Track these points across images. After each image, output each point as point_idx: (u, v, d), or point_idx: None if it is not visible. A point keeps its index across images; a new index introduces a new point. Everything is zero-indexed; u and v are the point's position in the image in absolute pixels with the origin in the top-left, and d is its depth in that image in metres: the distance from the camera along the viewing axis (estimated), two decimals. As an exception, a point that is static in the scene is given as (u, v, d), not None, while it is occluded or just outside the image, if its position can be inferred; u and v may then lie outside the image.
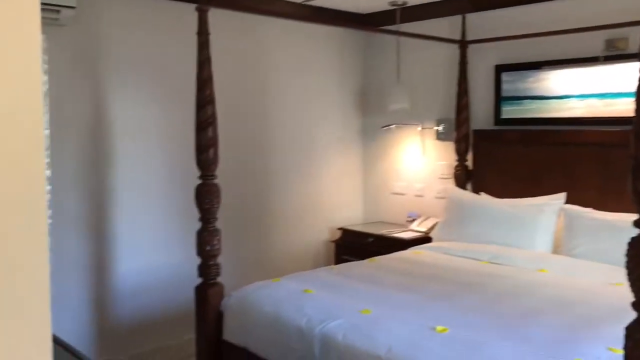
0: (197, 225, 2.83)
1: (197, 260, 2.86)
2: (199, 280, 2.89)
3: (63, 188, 3.29)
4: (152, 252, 3.70)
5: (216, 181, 2.82)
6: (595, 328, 2.26)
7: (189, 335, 3.41)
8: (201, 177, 2.80)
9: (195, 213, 2.83)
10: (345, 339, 2.32)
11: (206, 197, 2.78)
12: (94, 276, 3.48)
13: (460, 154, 4.18)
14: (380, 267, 3.32)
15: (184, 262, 3.49)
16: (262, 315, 2.68)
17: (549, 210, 3.54)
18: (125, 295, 3.59)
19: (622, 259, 3.11)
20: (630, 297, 2.65)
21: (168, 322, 3.73)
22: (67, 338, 3.31)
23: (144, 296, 3.66)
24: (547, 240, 3.50)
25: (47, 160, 3.18)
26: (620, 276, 2.96)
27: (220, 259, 2.89)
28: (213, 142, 2.77)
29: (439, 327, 2.28)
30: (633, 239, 1.51)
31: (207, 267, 2.85)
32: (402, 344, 2.19)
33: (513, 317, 2.41)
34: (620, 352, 1.99)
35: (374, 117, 4.83)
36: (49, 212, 3.21)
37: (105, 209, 3.51)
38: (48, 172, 3.15)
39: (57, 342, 1.52)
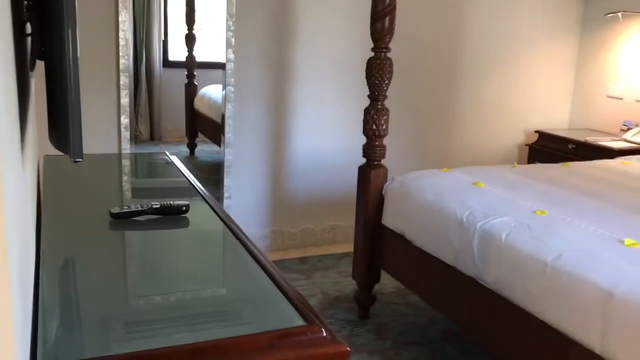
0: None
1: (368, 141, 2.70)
2: (364, 162, 2.75)
3: (247, 57, 3.32)
4: (330, 132, 3.64)
5: (389, 55, 2.58)
6: None
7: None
8: (374, 49, 2.58)
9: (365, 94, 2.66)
10: (509, 238, 2.02)
11: (376, 71, 2.57)
12: (272, 148, 3.54)
13: None
14: (573, 171, 2.85)
15: (359, 143, 3.39)
16: (422, 203, 2.47)
17: None
18: (300, 171, 3.62)
19: None
20: None
21: (339, 203, 3.71)
22: (244, 207, 3.51)
23: (318, 174, 3.66)
24: None
25: (232, 28, 3.21)
26: None
27: (388, 142, 2.71)
28: (389, 10, 2.50)
29: (629, 241, 1.86)
30: None
31: (372, 147, 2.68)
32: (576, 252, 1.84)
33: None
34: None
35: (599, 2, 4.07)
36: (232, 80, 3.31)
37: (286, 83, 3.49)
38: (231, 39, 3.17)
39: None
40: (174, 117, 3.76)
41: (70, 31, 1.00)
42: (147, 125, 3.62)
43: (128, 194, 1.90)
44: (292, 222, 3.66)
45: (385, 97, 2.63)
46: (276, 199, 3.61)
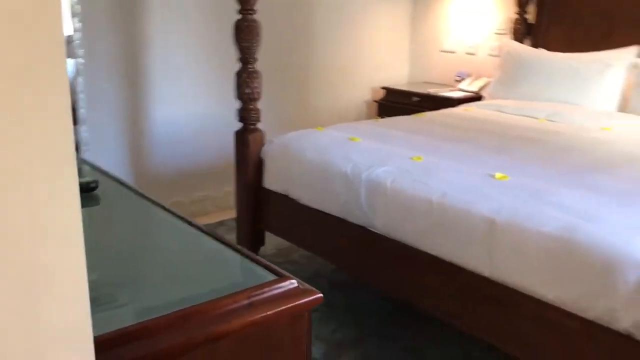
0: (236, 68, 2.63)
1: (237, 105, 2.69)
2: (239, 126, 2.74)
3: (95, 28, 3.09)
4: (190, 99, 3.54)
5: (256, 17, 2.57)
6: (673, 181, 2.05)
7: (230, 188, 3.35)
8: (241, 11, 2.55)
9: (233, 56, 2.63)
10: (394, 184, 2.17)
11: (246, 33, 2.55)
12: (129, 122, 3.36)
13: (521, 6, 3.79)
14: (429, 121, 3.11)
15: (223, 110, 3.35)
16: (305, 162, 2.54)
17: (618, 64, 3.22)
18: (163, 143, 3.49)
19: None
20: None
21: (209, 172, 3.65)
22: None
23: (183, 145, 3.56)
24: (613, 98, 3.21)
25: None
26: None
27: (260, 106, 2.72)
28: (253, -29, 2.49)
29: (499, 175, 2.11)
30: None
31: (247, 111, 2.68)
32: (457, 190, 2.04)
33: (579, 169, 2.22)
34: None
35: (427, -35, 4.39)
36: (81, 51, 3.06)
37: (142, 52, 3.31)
38: (76, 5, 2.93)
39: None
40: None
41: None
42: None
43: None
44: (161, 197, 3.51)
45: (256, 59, 2.63)
46: (141, 174, 3.45)
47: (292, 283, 1.00)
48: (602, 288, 1.61)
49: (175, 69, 3.45)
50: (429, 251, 2.05)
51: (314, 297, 1.00)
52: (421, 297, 2.13)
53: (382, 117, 4.17)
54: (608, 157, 2.41)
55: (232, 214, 3.17)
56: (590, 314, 1.65)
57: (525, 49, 3.67)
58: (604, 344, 1.64)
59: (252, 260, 1.08)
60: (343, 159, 2.41)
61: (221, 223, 3.51)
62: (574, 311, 1.68)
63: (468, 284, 1.95)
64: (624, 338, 1.59)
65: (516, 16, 3.83)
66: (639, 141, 2.66)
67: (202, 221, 3.59)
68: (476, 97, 3.85)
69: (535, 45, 3.74)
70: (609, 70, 3.22)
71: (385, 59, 4.55)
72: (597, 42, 3.40)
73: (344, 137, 2.64)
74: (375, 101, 4.42)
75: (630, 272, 1.57)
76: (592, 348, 1.66)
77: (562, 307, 1.71)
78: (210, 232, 1.22)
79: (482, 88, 3.97)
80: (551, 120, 3.09)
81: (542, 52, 3.57)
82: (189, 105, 3.55)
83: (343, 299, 2.74)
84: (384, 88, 4.39)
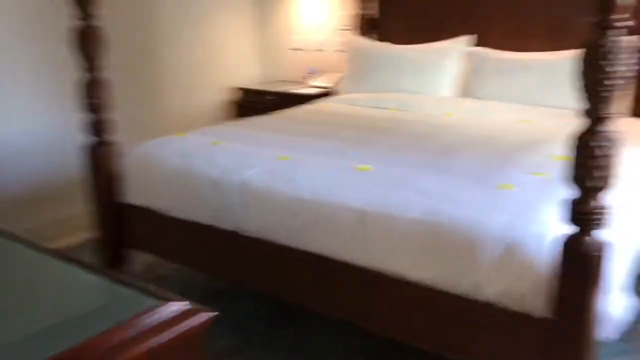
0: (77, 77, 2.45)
1: (83, 117, 2.51)
2: (88, 140, 2.56)
3: None
4: (27, 114, 3.24)
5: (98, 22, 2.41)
6: (514, 159, 2.26)
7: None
8: (80, 17, 2.37)
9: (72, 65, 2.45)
10: (265, 185, 2.16)
11: (87, 41, 2.38)
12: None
13: (364, 2, 3.94)
14: (289, 118, 3.14)
15: (70, 123, 3.11)
16: (168, 171, 2.44)
17: (453, 53, 3.47)
18: (4, 165, 3.16)
19: (528, 97, 3.18)
20: (539, 132, 2.71)
21: (64, 191, 3.36)
22: None
23: (28, 165, 3.25)
24: (451, 84, 3.46)
25: None
26: (526, 113, 3.02)
27: (110, 116, 2.56)
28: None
29: (362, 166, 2.17)
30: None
31: (96, 123, 2.51)
32: (325, 184, 2.07)
33: (432, 154, 2.36)
34: (543, 175, 2.00)
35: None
36: None
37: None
38: None
39: None
40: None
41: None
42: None
43: None
44: (14, 224, 3.19)
45: (101, 67, 2.47)
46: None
47: (181, 305, 0.95)
48: (468, 265, 1.73)
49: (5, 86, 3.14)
50: (305, 249, 2.07)
51: (208, 316, 0.96)
52: (302, 296, 2.14)
53: (240, 118, 4.14)
54: (456, 141, 2.58)
55: (94, 233, 2.96)
56: (458, 290, 1.76)
57: (369, 44, 3.83)
58: (472, 314, 1.75)
59: (134, 286, 1.00)
60: (209, 165, 2.34)
61: (82, 245, 3.26)
62: (445, 289, 1.79)
63: (346, 276, 1.99)
64: (489, 307, 1.72)
65: (359, 12, 3.97)
66: (479, 124, 2.89)
67: (62, 244, 3.33)
68: (329, 93, 3.94)
69: (380, 39, 3.91)
70: (446, 59, 3.46)
71: (235, 59, 4.51)
72: (435, 33, 3.63)
73: (207, 142, 2.57)
74: (232, 102, 4.36)
75: (491, 248, 1.70)
76: (462, 319, 1.78)
77: (434, 286, 1.81)
78: (73, 258, 1.12)
79: (333, 83, 4.08)
80: (402, 110, 3.25)
81: (385, 46, 3.74)
82: (28, 122, 3.24)
83: (220, 308, 2.67)
84: (239, 88, 4.35)
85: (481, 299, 1.72)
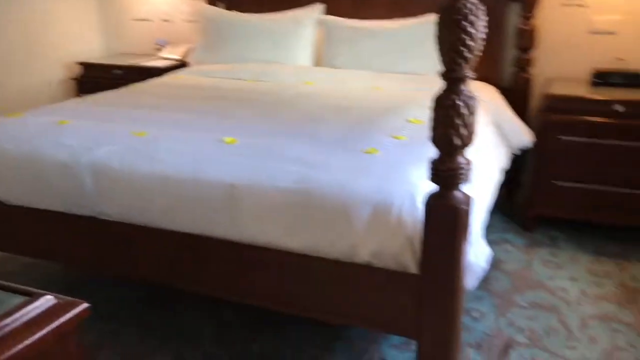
0: None
1: None
2: None
3: None
4: None
5: None
6: (375, 124, 2.32)
7: None
8: None
9: None
10: (121, 165, 2.01)
11: None
12: None
13: (211, -30, 3.80)
14: (142, 92, 2.95)
15: None
16: (6, 156, 2.18)
17: (307, 22, 3.47)
18: None
19: (380, 65, 3.28)
20: (393, 98, 2.81)
21: None
22: None
23: None
24: (307, 53, 3.47)
25: None
26: (378, 80, 3.11)
27: None
28: None
29: (227, 139, 2.10)
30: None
31: None
32: (190, 159, 1.98)
33: (296, 123, 2.35)
34: (403, 138, 2.08)
35: None
36: None
37: None
38: None
39: None
40: None
41: None
42: None
43: None
44: None
45: None
46: None
47: (49, 300, 0.84)
48: (341, 229, 1.75)
49: None
50: (172, 228, 1.96)
51: (81, 308, 0.86)
52: (172, 277, 2.04)
53: (85, 94, 3.82)
54: (317, 109, 2.59)
55: None
56: (333, 254, 1.78)
57: (221, 13, 3.71)
58: (348, 277, 1.78)
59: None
60: (55, 146, 2.13)
61: None
62: (320, 254, 1.80)
63: (218, 252, 1.93)
64: (364, 268, 1.76)
65: (205, -20, 3.83)
66: (337, 92, 2.93)
67: None
68: (181, 64, 3.77)
69: (229, 7, 3.80)
70: (300, 28, 3.46)
71: (72, 31, 4.14)
72: (283, 2, 3.59)
73: (50, 121, 2.33)
74: (73, 79, 4.01)
75: (362, 210, 1.73)
76: (338, 283, 1.80)
77: (309, 252, 1.81)
78: None
79: (184, 54, 3.91)
80: (259, 80, 3.20)
81: (239, 15, 3.64)
82: None
83: (87, 297, 2.48)
84: (80, 63, 4.01)
85: (357, 261, 1.75)
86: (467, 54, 1.41)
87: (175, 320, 2.34)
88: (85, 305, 0.86)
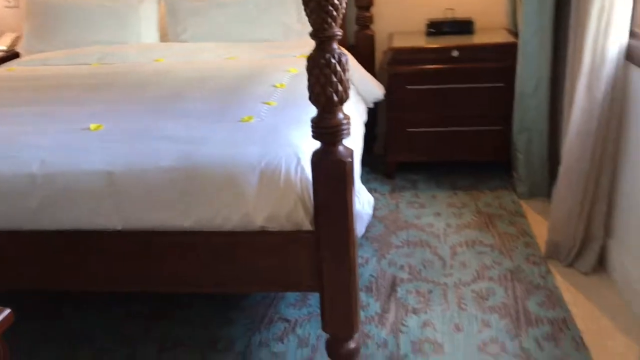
0: None
1: None
2: None
3: None
4: None
5: None
6: (242, 92, 2.33)
7: None
8: None
9: None
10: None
11: None
12: None
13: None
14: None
15: None
16: None
17: (148, -1, 3.34)
18: None
19: (229, 35, 3.26)
20: (252, 66, 2.82)
21: None
22: None
23: None
24: (152, 30, 3.35)
25: None
26: (231, 50, 3.10)
27: None
28: None
29: (93, 126, 2.00)
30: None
31: None
32: (55, 153, 1.85)
33: (161, 101, 2.28)
34: (274, 104, 2.12)
35: None
36: None
37: None
38: None
39: None
40: None
41: None
42: None
43: None
44: None
45: None
46: None
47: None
48: (233, 199, 1.76)
49: None
50: (49, 228, 1.83)
51: (3, 315, 0.81)
52: (64, 281, 1.90)
53: None
54: (177, 85, 2.53)
55: None
56: (229, 226, 1.78)
57: (48, -5, 3.43)
58: (246, 245, 1.80)
59: None
60: None
61: None
62: (214, 229, 1.79)
63: (104, 245, 1.84)
64: (261, 234, 1.79)
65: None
66: (192, 66, 2.87)
67: None
68: (12, 56, 3.44)
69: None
70: (142, 4, 3.31)
71: None
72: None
73: None
74: None
75: (250, 177, 1.75)
76: (239, 254, 1.81)
77: (203, 229, 1.79)
78: None
79: (12, 44, 3.56)
80: (105, 63, 3.03)
81: (68, -4, 3.39)
82: None
83: None
84: None
85: (252, 229, 1.78)
86: (334, 13, 1.48)
87: (78, 322, 2.24)
88: (6, 311, 0.81)
